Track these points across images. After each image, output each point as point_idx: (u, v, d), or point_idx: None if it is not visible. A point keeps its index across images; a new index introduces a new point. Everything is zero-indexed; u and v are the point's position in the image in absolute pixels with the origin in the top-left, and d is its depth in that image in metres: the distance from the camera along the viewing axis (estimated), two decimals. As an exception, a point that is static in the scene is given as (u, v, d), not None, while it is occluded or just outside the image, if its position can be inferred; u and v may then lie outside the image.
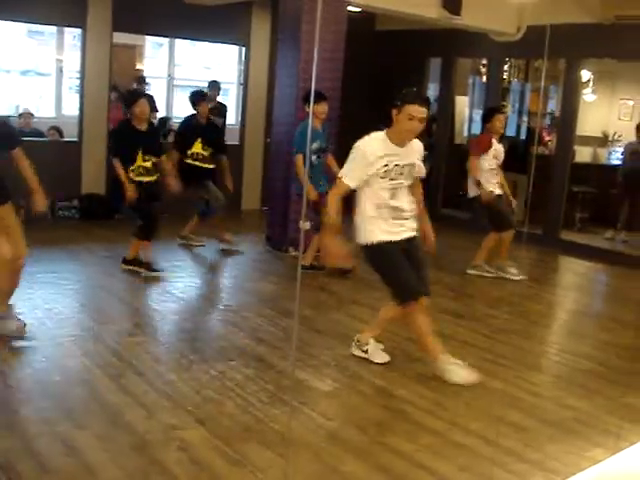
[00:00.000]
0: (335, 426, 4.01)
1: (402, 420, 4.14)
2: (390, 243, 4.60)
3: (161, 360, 4.81)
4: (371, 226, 4.62)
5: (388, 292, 4.77)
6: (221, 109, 10.63)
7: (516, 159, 10.51)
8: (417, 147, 4.72)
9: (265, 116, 10.33)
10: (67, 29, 9.98)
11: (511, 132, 12.54)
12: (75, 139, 9.26)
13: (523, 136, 12.37)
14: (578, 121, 9.76)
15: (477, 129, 11.26)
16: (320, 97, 6.89)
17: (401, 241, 4.63)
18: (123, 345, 5.02)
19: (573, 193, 10.28)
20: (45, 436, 3.62)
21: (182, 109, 11.31)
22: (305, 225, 6.57)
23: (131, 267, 6.69)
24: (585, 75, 11.23)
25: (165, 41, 11.69)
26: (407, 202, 4.67)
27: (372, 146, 4.53)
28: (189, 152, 7.67)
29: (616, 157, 12.22)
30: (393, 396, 4.46)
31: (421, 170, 4.79)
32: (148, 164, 6.59)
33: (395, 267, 4.62)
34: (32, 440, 3.57)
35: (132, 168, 6.49)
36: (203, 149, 7.74)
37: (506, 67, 11.77)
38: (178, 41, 11.34)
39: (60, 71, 10.27)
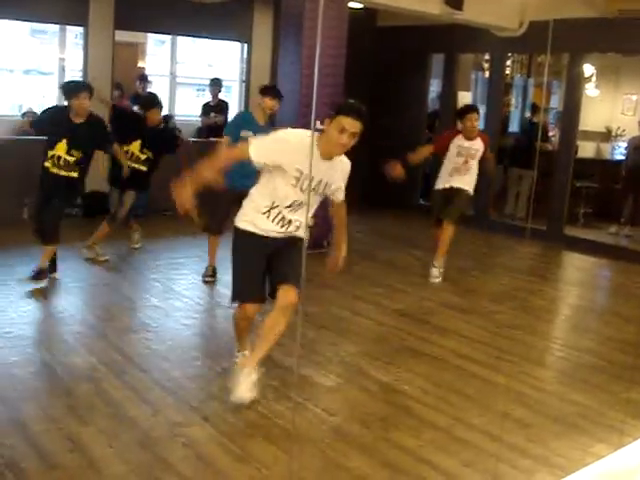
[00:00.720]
0: (339, 422, 4.01)
1: (406, 416, 4.15)
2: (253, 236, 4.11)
3: (165, 357, 4.82)
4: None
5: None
6: (222, 106, 10.64)
7: (520, 154, 10.52)
8: (344, 167, 4.24)
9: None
10: (69, 27, 9.96)
11: (514, 128, 12.53)
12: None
13: (526, 131, 12.36)
14: (581, 116, 9.74)
15: (480, 125, 11.26)
16: (277, 93, 6.52)
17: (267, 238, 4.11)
18: (127, 342, 5.03)
19: (576, 188, 10.26)
20: (50, 432, 3.64)
21: (184, 106, 11.34)
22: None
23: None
24: (588, 70, 11.21)
25: (167, 38, 11.68)
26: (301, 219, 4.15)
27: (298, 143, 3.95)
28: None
29: (619, 152, 12.20)
30: (397, 392, 4.46)
31: (339, 194, 4.31)
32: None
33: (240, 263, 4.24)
34: (37, 437, 3.59)
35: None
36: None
37: (509, 62, 11.76)
38: (180, 38, 11.33)
39: (62, 70, 10.25)
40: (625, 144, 11.44)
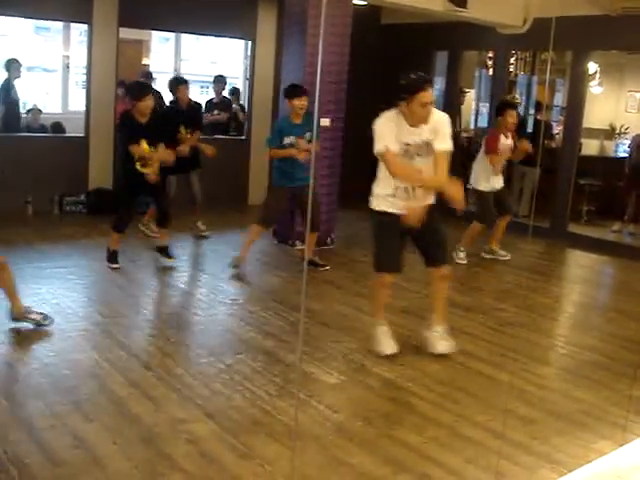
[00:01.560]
0: (342, 418, 4.03)
1: (409, 412, 4.16)
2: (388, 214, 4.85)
3: (169, 354, 4.83)
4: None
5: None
6: (226, 103, 10.66)
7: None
8: (437, 122, 4.76)
9: (272, 110, 10.33)
10: (73, 25, 9.98)
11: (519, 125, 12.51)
12: (82, 134, 9.28)
13: (530, 129, 12.35)
14: (585, 113, 9.73)
15: (483, 122, 11.27)
16: (300, 91, 6.83)
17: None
18: (131, 339, 5.05)
19: (580, 186, 10.25)
20: (54, 429, 3.65)
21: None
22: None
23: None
24: (592, 67, 11.19)
25: (171, 36, 11.69)
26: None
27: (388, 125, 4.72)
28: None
29: (623, 150, 12.18)
30: (400, 388, 4.47)
31: (439, 144, 4.75)
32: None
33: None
34: (41, 433, 3.61)
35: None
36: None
37: (513, 60, 11.74)
38: (184, 36, 11.34)
39: (66, 67, 10.28)
40: (629, 141, 11.42)
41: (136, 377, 4.38)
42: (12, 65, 8.92)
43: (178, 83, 8.04)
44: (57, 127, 9.98)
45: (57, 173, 8.94)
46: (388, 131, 4.66)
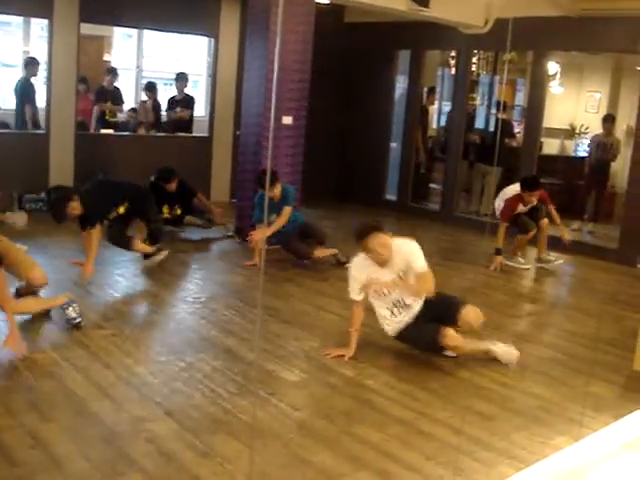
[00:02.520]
0: (303, 416, 4.03)
1: (370, 410, 4.17)
2: None
3: (129, 352, 4.80)
4: None
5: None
6: (188, 101, 10.60)
7: (485, 151, 10.59)
8: (402, 251, 4.84)
9: (234, 108, 10.30)
10: (34, 20, 9.86)
11: (480, 124, 12.63)
12: (42, 131, 9.18)
13: (492, 128, 12.47)
14: (545, 113, 9.85)
15: (443, 121, 11.31)
16: (272, 178, 7.05)
17: None
18: (91, 338, 5.00)
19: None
20: (12, 429, 3.61)
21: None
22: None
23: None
24: (552, 68, 11.34)
25: (134, 32, 11.60)
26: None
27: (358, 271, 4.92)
28: None
29: (583, 149, 12.35)
30: (362, 386, 4.49)
31: (417, 268, 4.84)
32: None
33: None
34: (-2, 433, 3.56)
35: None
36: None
37: (475, 59, 11.83)
38: (147, 32, 11.26)
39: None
40: (588, 141, 11.58)
41: (95, 376, 4.34)
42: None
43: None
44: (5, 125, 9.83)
45: (17, 170, 8.83)
46: (357, 278, 4.90)
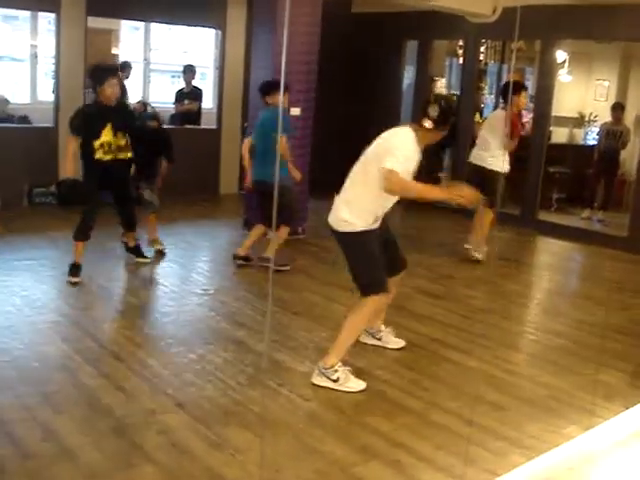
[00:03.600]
0: (314, 407, 4.05)
1: (380, 400, 4.18)
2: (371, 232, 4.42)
3: (140, 345, 4.82)
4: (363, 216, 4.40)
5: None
6: (196, 93, 10.60)
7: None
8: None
9: (242, 99, 10.29)
10: (42, 14, 9.87)
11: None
12: (51, 125, 9.19)
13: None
14: (554, 102, 9.81)
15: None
16: (277, 87, 6.60)
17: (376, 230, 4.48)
18: (102, 330, 5.03)
19: (550, 174, 10.34)
20: (24, 421, 3.63)
21: (159, 93, 11.28)
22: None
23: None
24: (561, 56, 11.28)
25: (141, 25, 11.58)
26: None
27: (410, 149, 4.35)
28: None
29: (592, 137, 12.30)
30: (371, 376, 4.49)
31: None
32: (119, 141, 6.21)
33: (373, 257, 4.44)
34: (11, 425, 3.59)
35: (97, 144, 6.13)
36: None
37: (483, 49, 11.78)
38: (154, 25, 11.25)
39: (35, 56, 10.15)
40: (597, 129, 11.53)
41: (107, 368, 4.37)
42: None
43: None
44: (23, 120, 9.89)
45: (26, 164, 8.85)
46: (409, 156, 4.33)
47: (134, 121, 6.66)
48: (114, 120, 6.12)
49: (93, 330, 4.99)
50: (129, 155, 6.30)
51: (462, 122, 10.46)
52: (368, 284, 4.37)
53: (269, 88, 6.74)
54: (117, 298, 5.94)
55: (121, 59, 11.17)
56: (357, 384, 4.30)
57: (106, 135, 6.10)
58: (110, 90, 6.10)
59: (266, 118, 6.63)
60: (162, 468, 3.31)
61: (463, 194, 4.27)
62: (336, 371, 4.28)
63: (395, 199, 4.44)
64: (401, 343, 5.03)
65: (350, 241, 4.41)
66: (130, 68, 10.46)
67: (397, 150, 4.20)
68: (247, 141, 6.88)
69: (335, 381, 4.27)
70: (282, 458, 3.46)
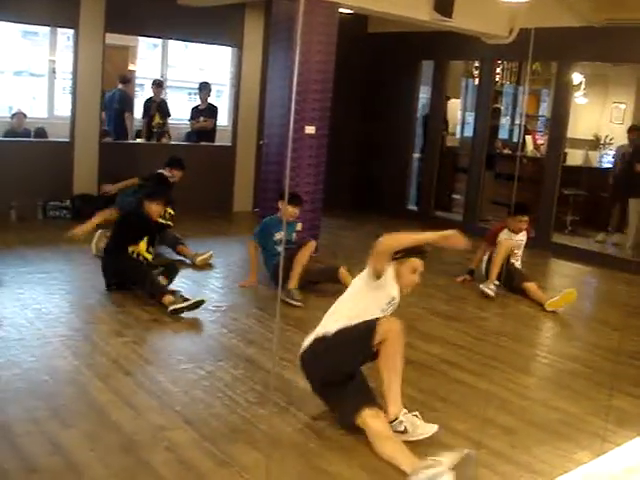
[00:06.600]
0: (322, 426, 4.01)
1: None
2: None
3: (150, 360, 4.82)
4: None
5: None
6: (212, 110, 10.66)
7: (510, 162, 10.56)
8: None
9: (258, 117, 10.33)
10: (61, 30, 9.97)
11: (504, 134, 12.60)
12: (67, 139, 9.25)
13: (515, 139, 12.42)
14: (570, 124, 9.79)
15: (469, 131, 11.28)
16: (295, 200, 6.76)
17: None
18: (112, 345, 5.02)
19: (564, 196, 10.30)
20: (32, 435, 3.63)
21: (176, 110, 11.34)
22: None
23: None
24: (577, 78, 11.27)
25: (159, 42, 11.68)
26: None
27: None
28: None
29: (608, 160, 12.26)
30: (381, 397, 4.45)
31: None
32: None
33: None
34: (19, 439, 3.58)
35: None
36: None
37: (499, 70, 11.81)
38: (171, 42, 11.34)
39: (53, 72, 10.24)
40: (613, 152, 11.49)
41: (116, 384, 4.36)
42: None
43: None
44: (40, 132, 9.99)
45: (42, 178, 8.91)
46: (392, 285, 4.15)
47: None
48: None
49: (103, 345, 4.99)
50: None
51: (477, 142, 10.47)
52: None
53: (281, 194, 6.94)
54: (128, 313, 5.93)
55: (137, 75, 11.28)
56: (430, 428, 3.91)
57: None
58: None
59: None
60: (168, 485, 3.29)
61: (449, 234, 4.06)
62: (401, 422, 3.91)
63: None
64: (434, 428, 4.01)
65: None
66: (163, 87, 10.64)
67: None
68: (251, 243, 6.92)
69: (403, 432, 3.87)
70: (289, 478, 3.44)
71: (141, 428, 3.81)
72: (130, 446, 3.61)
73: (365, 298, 4.08)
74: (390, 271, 4.10)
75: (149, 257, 6.42)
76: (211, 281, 7.15)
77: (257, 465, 3.48)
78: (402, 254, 4.14)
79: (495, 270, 7.05)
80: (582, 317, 7.04)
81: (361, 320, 3.95)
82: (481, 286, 7.13)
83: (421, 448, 3.80)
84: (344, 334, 3.96)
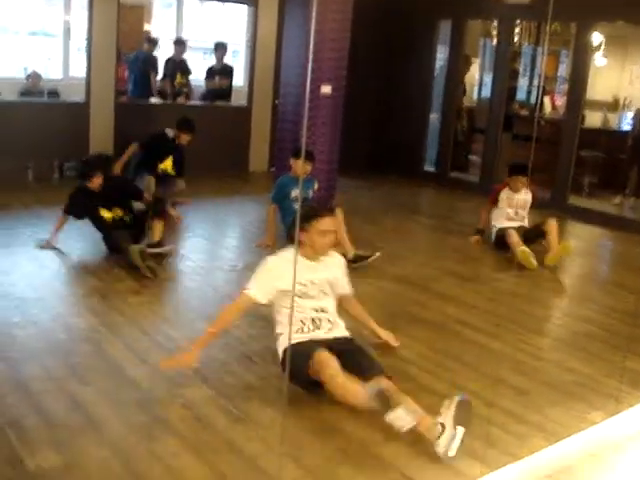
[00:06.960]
0: (336, 385, 4.04)
1: (404, 380, 4.15)
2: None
3: (166, 318, 4.86)
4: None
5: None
6: (227, 70, 10.60)
7: (527, 123, 10.46)
8: (336, 261, 4.22)
9: (274, 77, 10.26)
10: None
11: (522, 96, 12.46)
12: (83, 100, 9.24)
13: (533, 100, 12.29)
14: (588, 85, 9.68)
15: (487, 92, 11.17)
16: (307, 156, 6.62)
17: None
18: (129, 304, 5.06)
19: (582, 158, 10.21)
20: (50, 392, 3.68)
21: (192, 70, 11.27)
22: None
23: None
24: (597, 39, 11.10)
25: (173, 1, 11.59)
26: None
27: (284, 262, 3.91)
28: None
29: (626, 122, 12.12)
30: (395, 356, 4.48)
31: (347, 287, 4.31)
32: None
33: None
34: (38, 396, 3.63)
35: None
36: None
37: (517, 30, 11.65)
38: (187, 1, 11.25)
39: (67, 32, 10.20)
40: (632, 114, 11.36)
41: (133, 341, 4.41)
42: None
43: None
44: (52, 93, 9.96)
45: (58, 138, 8.92)
46: (279, 275, 3.90)
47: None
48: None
49: (120, 303, 5.04)
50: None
51: (495, 103, 10.38)
52: None
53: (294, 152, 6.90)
54: (145, 272, 5.96)
55: (153, 35, 11.20)
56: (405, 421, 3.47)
57: None
58: None
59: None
60: (185, 441, 3.34)
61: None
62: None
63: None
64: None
65: None
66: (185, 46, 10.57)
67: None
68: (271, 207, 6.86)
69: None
70: (303, 435, 3.47)
71: (157, 385, 3.86)
72: (147, 403, 3.66)
73: (283, 308, 4.01)
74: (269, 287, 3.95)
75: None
76: (227, 240, 7.17)
77: (272, 422, 3.52)
78: (304, 223, 3.94)
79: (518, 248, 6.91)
80: (598, 280, 7.02)
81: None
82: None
83: (432, 403, 3.82)
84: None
